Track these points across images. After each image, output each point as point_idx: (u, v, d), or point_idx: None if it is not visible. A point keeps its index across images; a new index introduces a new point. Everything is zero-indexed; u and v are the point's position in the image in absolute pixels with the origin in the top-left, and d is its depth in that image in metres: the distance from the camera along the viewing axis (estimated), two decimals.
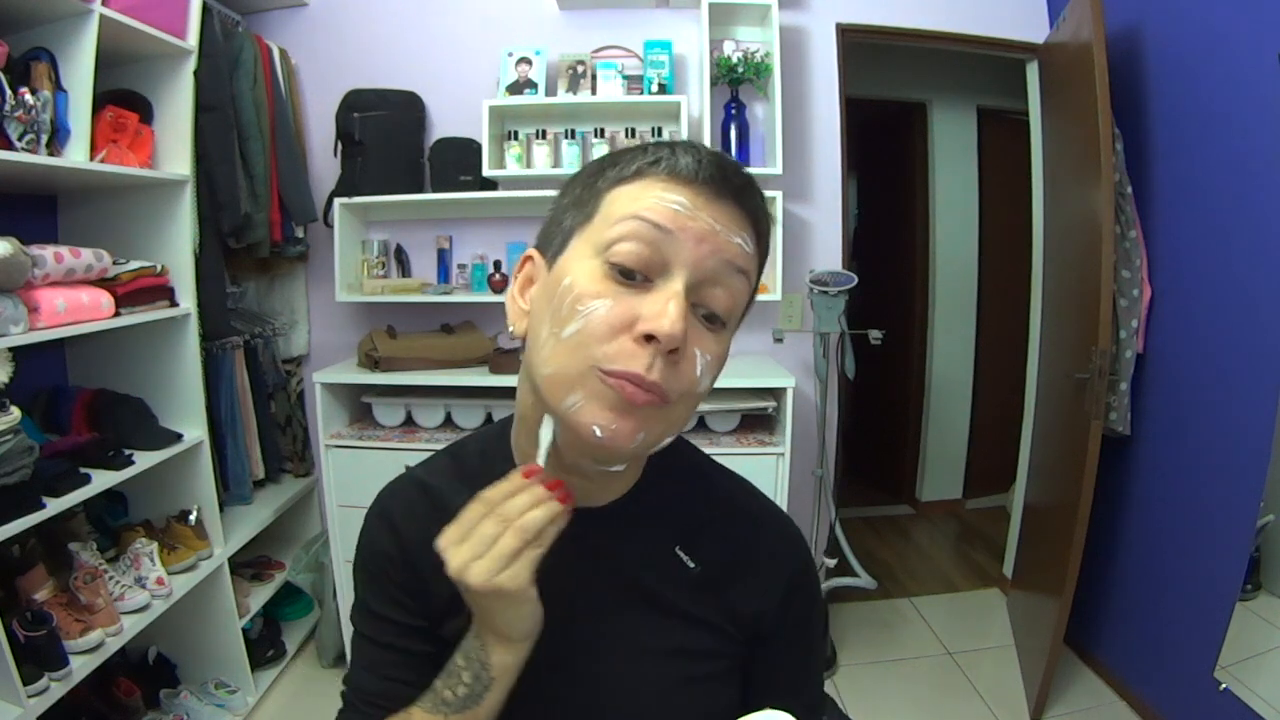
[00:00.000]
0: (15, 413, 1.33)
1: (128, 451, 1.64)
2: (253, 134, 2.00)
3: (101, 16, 1.47)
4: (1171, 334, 1.93)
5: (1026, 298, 2.65)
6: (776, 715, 0.54)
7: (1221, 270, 1.75)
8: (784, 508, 0.78)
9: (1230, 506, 1.69)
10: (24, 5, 1.40)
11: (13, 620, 1.35)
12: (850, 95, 2.39)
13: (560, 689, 0.60)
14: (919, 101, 3.40)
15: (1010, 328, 2.92)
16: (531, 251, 0.59)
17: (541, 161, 2.21)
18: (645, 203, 0.51)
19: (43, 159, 1.40)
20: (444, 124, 2.34)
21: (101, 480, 1.53)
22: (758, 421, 2.13)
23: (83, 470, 1.50)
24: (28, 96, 1.36)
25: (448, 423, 2.14)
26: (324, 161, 2.35)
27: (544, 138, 2.23)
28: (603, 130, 2.20)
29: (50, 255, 1.39)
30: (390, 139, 2.20)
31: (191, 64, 1.76)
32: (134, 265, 1.65)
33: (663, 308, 0.49)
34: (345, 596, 2.07)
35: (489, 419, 2.12)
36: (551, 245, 0.56)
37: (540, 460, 0.53)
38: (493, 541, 0.50)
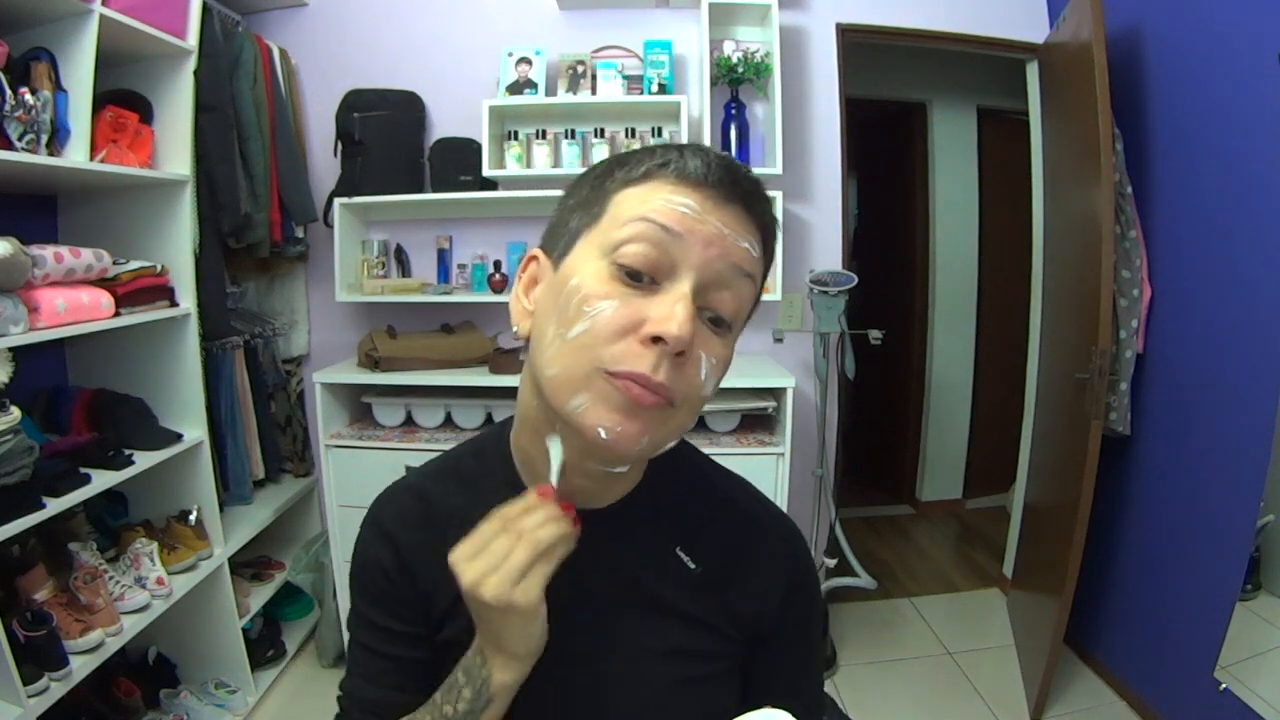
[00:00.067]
0: (15, 413, 1.33)
1: (128, 451, 1.64)
2: (253, 134, 2.00)
3: (101, 16, 1.47)
4: (1171, 334, 1.93)
5: (1026, 298, 2.65)
6: (775, 714, 0.54)
7: (1221, 270, 1.75)
8: (784, 508, 0.78)
9: (1230, 506, 1.69)
10: (24, 5, 1.40)
11: (13, 620, 1.35)
12: (850, 95, 2.39)
13: (560, 689, 0.60)
14: (919, 101, 3.40)
15: (1010, 328, 2.92)
16: (536, 252, 0.59)
17: (541, 161, 2.21)
18: (654, 205, 0.51)
19: (43, 159, 1.40)
20: (444, 124, 2.34)
21: (101, 480, 1.53)
22: (758, 421, 2.13)
23: (83, 470, 1.50)
24: (28, 96, 1.36)
25: (448, 423, 2.14)
26: (324, 161, 2.35)
27: (544, 138, 2.23)
28: (603, 130, 2.20)
29: (50, 255, 1.39)
30: (390, 139, 2.20)
31: (191, 64, 1.76)
32: (134, 265, 1.65)
33: (670, 310, 0.49)
34: (345, 597, 2.07)
35: (489, 419, 2.12)
36: (557, 246, 0.56)
37: (553, 480, 0.54)
38: (505, 556, 0.50)
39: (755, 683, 0.65)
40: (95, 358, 1.85)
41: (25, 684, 1.31)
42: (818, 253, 2.41)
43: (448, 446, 0.72)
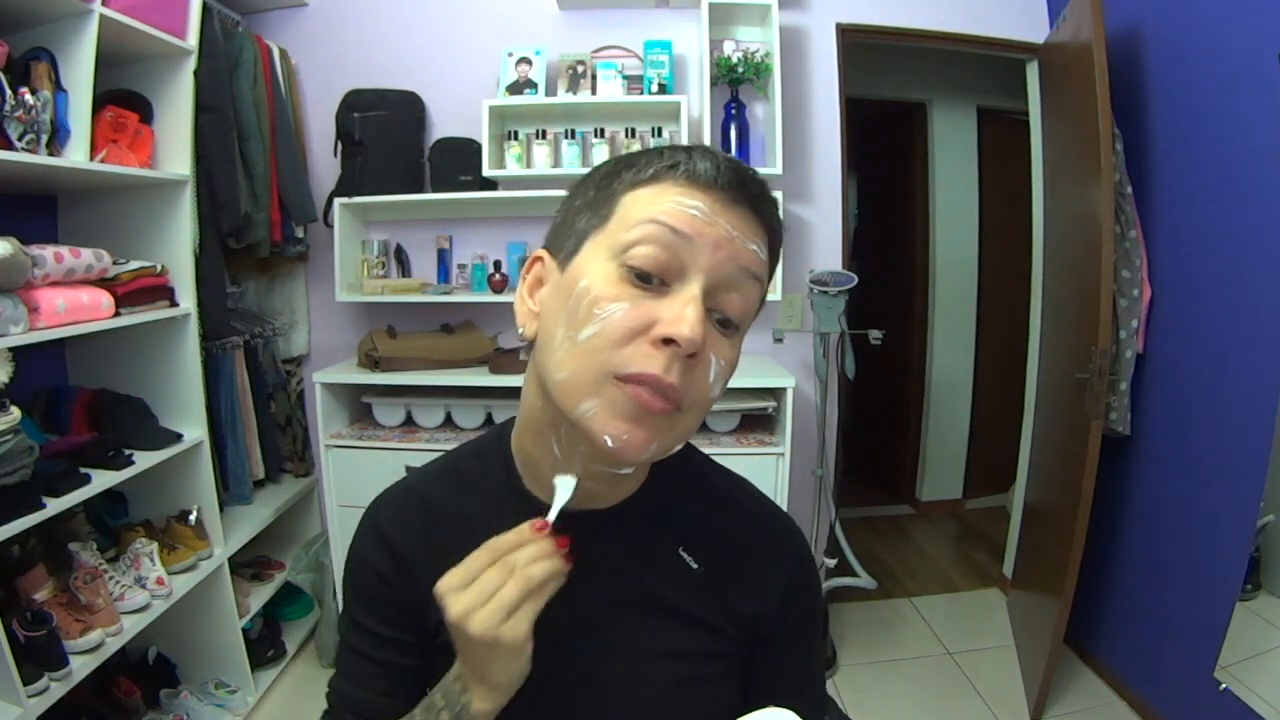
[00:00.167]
0: (15, 413, 1.33)
1: (128, 451, 1.64)
2: (253, 134, 2.00)
3: (101, 16, 1.47)
4: (1171, 334, 1.93)
5: (1026, 298, 2.65)
6: (781, 714, 0.54)
7: (1221, 270, 1.75)
8: (784, 508, 0.78)
9: (1230, 506, 1.69)
10: (24, 5, 1.40)
11: (13, 620, 1.35)
12: (850, 95, 2.39)
13: (561, 690, 0.60)
14: (919, 101, 3.40)
15: (1010, 328, 2.92)
16: (541, 252, 0.59)
17: (541, 161, 2.21)
18: (663, 207, 0.51)
19: (43, 159, 1.40)
20: (444, 124, 2.34)
21: (101, 480, 1.53)
22: (758, 421, 2.13)
23: (83, 470, 1.50)
24: (28, 96, 1.36)
25: (448, 423, 2.14)
26: (324, 161, 2.35)
27: (544, 138, 2.23)
28: (603, 130, 2.20)
29: (50, 255, 1.39)
30: (390, 139, 2.20)
31: (191, 64, 1.76)
32: (134, 265, 1.65)
33: (681, 312, 0.49)
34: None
35: (489, 419, 2.12)
36: (564, 247, 0.56)
37: (551, 516, 0.53)
38: (494, 590, 0.50)
39: (756, 682, 0.65)
40: (95, 358, 1.85)
41: (25, 684, 1.31)
42: (818, 253, 2.41)
43: (448, 446, 0.72)
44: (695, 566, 0.62)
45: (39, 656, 1.36)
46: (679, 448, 0.56)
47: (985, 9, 2.40)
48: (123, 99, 1.66)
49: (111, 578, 1.60)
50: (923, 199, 3.46)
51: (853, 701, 2.12)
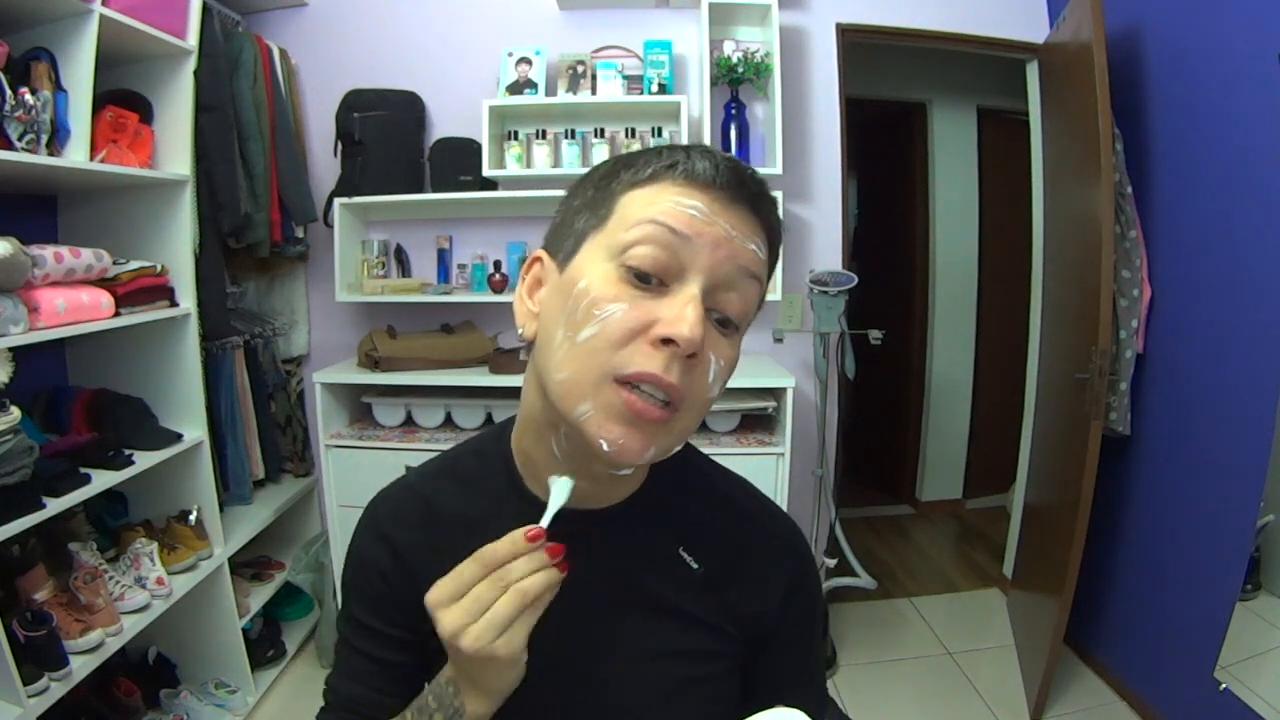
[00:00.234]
0: (15, 413, 1.33)
1: (128, 451, 1.64)
2: (253, 134, 1.99)
3: (101, 16, 1.47)
4: (1171, 334, 1.93)
5: (1026, 298, 2.65)
6: (788, 714, 0.54)
7: (1221, 270, 1.75)
8: (784, 508, 0.78)
9: (1230, 506, 1.69)
10: (24, 5, 1.40)
11: (13, 620, 1.35)
12: (850, 95, 2.39)
13: (561, 690, 0.60)
14: (919, 101, 3.40)
15: (1010, 328, 2.92)
16: (540, 253, 0.59)
17: (541, 161, 2.21)
18: (661, 207, 0.51)
19: (43, 159, 1.40)
20: (444, 124, 2.34)
21: (101, 480, 1.53)
22: (758, 421, 2.13)
23: (83, 470, 1.50)
24: (28, 96, 1.36)
25: (448, 423, 2.14)
26: (324, 161, 2.35)
27: (544, 138, 2.23)
28: (603, 130, 2.20)
29: (50, 255, 1.39)
30: (390, 139, 2.20)
31: (191, 64, 1.76)
32: (134, 265, 1.65)
33: (681, 312, 0.49)
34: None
35: (489, 419, 2.12)
36: (562, 247, 0.56)
37: (545, 521, 0.51)
38: (488, 605, 0.48)
39: (757, 682, 0.65)
40: (95, 358, 1.85)
41: (25, 684, 1.31)
42: (818, 253, 2.41)
43: (448, 446, 0.72)
44: (695, 566, 0.62)
45: (39, 656, 1.36)
46: (678, 449, 0.56)
47: (985, 9, 2.40)
48: (123, 99, 1.66)
49: (111, 578, 1.60)
50: (923, 199, 3.46)
51: (853, 701, 2.12)
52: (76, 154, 1.48)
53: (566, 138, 2.18)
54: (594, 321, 0.50)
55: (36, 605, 1.44)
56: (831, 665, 2.28)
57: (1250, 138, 1.65)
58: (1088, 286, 1.87)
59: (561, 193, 0.60)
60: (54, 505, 1.39)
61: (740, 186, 0.52)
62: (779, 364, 2.22)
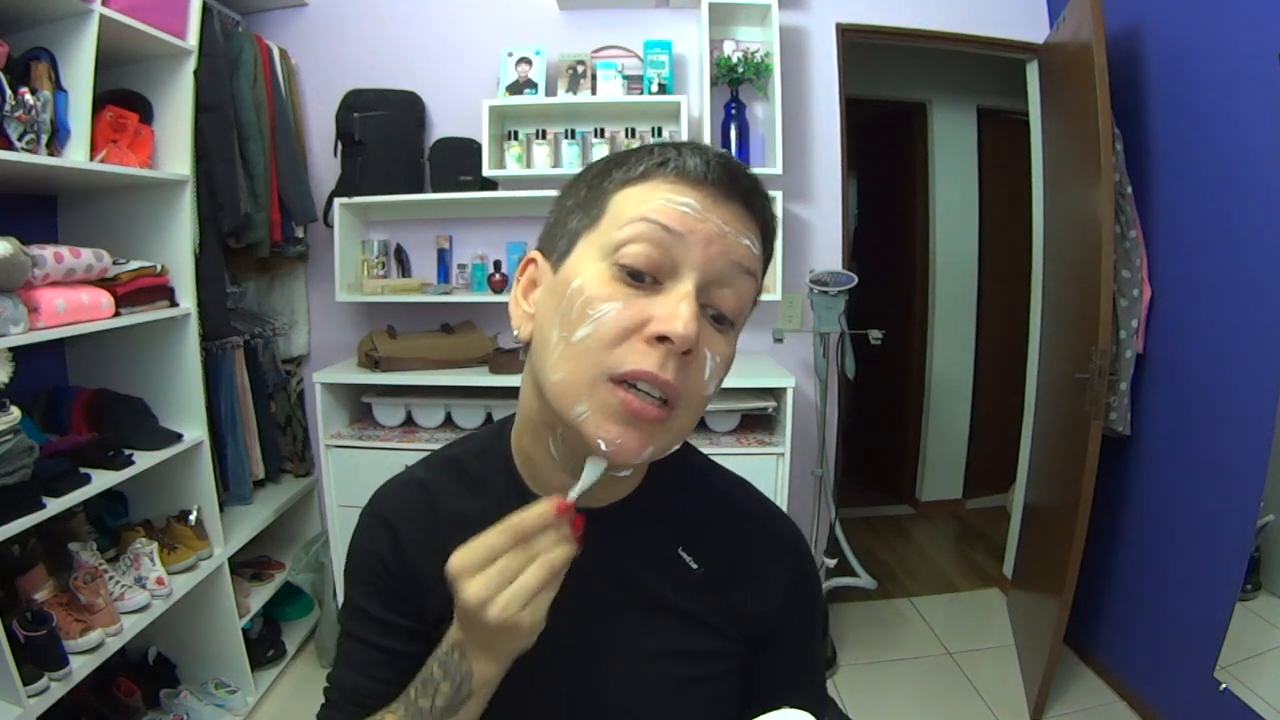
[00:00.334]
0: (15, 413, 1.33)
1: (128, 451, 1.64)
2: (253, 134, 1.99)
3: (101, 16, 1.47)
4: (1171, 334, 1.93)
5: (1026, 298, 2.65)
6: (795, 715, 0.54)
7: (1221, 270, 1.75)
8: (784, 508, 0.78)
9: (1230, 506, 1.69)
10: (24, 5, 1.40)
11: (13, 620, 1.35)
12: (850, 95, 2.39)
13: (561, 691, 0.60)
14: (919, 101, 3.40)
15: (1010, 328, 2.92)
16: (534, 254, 0.59)
17: (541, 161, 2.21)
18: (654, 204, 0.51)
19: (43, 159, 1.40)
20: (444, 124, 2.34)
21: (101, 480, 1.53)
22: (758, 421, 2.13)
23: (83, 470, 1.50)
24: (28, 96, 1.36)
25: (448, 423, 2.14)
26: (324, 161, 2.35)
27: (544, 138, 2.23)
28: (603, 130, 2.20)
29: (50, 255, 1.39)
30: (390, 139, 2.20)
31: (191, 64, 1.76)
32: (134, 265, 1.65)
33: (675, 309, 0.49)
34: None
35: (489, 419, 2.12)
36: (556, 248, 0.56)
37: (574, 494, 0.51)
38: (514, 575, 0.48)
39: (758, 682, 0.65)
40: (95, 358, 1.85)
41: (25, 684, 1.31)
42: (818, 253, 2.41)
43: None
44: (695, 567, 0.62)
45: (39, 656, 1.36)
46: (676, 447, 0.56)
47: (985, 9, 2.40)
48: (123, 99, 1.66)
49: (111, 578, 1.60)
50: (923, 199, 3.46)
51: (853, 701, 2.12)
52: (76, 154, 1.48)
53: (566, 138, 2.18)
54: (588, 321, 0.50)
55: (36, 605, 1.44)
56: (831, 665, 2.28)
57: (1250, 138, 1.65)
58: (1088, 286, 1.87)
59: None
60: (54, 505, 1.39)
61: (732, 182, 0.52)
62: (779, 364, 2.22)
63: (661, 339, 0.49)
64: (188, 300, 1.79)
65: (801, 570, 0.66)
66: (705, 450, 0.71)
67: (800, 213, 2.39)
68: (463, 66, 2.32)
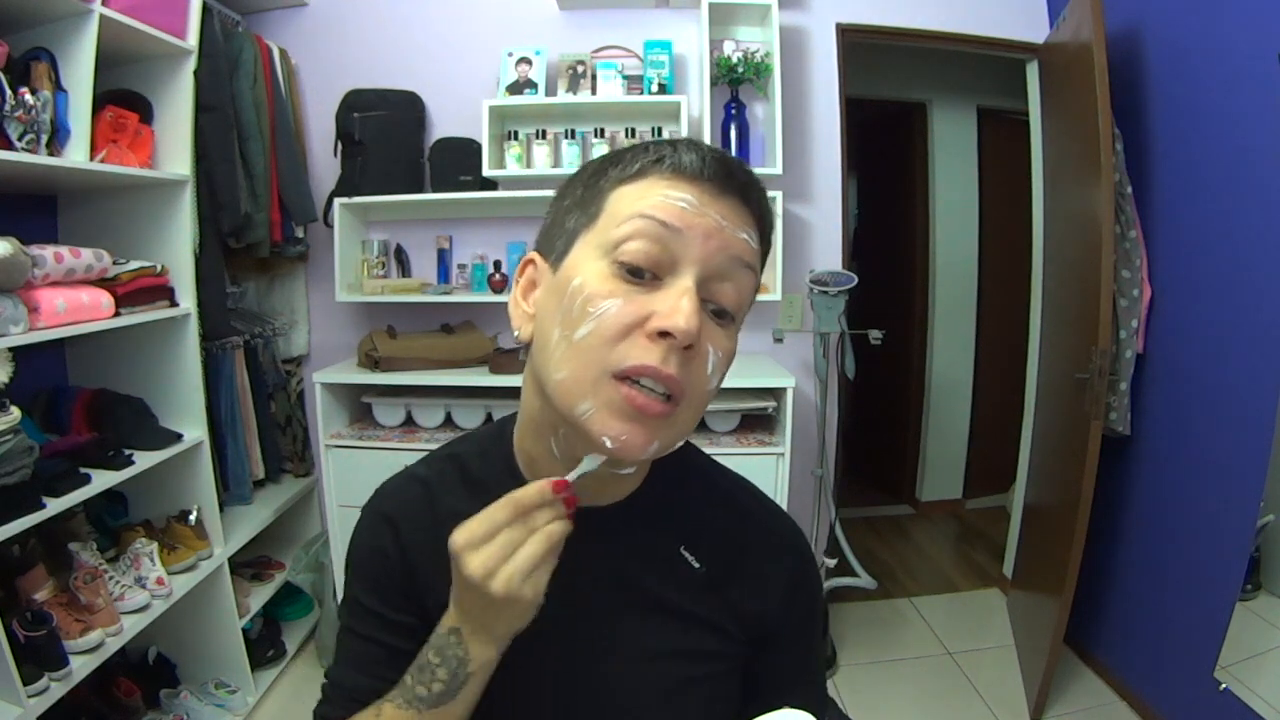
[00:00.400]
0: (15, 413, 1.33)
1: (128, 451, 1.63)
2: (253, 134, 1.99)
3: (101, 16, 1.47)
4: (1171, 334, 1.93)
5: (1026, 298, 2.65)
6: (796, 715, 0.54)
7: (1221, 270, 1.75)
8: (784, 508, 0.78)
9: (1230, 506, 1.69)
10: (24, 5, 1.40)
11: (13, 620, 1.35)
12: (850, 95, 2.39)
13: (562, 689, 0.60)
14: (919, 101, 3.40)
15: (1010, 328, 2.92)
16: (533, 255, 0.59)
17: (541, 161, 2.21)
18: (651, 201, 0.51)
19: (43, 159, 1.40)
20: (444, 124, 2.34)
21: (101, 480, 1.53)
22: (758, 421, 2.13)
23: (83, 470, 1.50)
24: (28, 96, 1.36)
25: (448, 423, 2.14)
26: (324, 161, 2.35)
27: (544, 138, 2.23)
28: (603, 130, 2.20)
29: (50, 255, 1.39)
30: (390, 139, 2.20)
31: (191, 64, 1.76)
32: (134, 265, 1.65)
33: (676, 303, 0.49)
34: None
35: (489, 419, 2.12)
36: (554, 248, 0.56)
37: (572, 476, 0.52)
38: (515, 548, 0.49)
39: (758, 682, 0.65)
40: (95, 358, 1.85)
41: (25, 684, 1.31)
42: (818, 253, 2.41)
43: None
44: (697, 566, 0.62)
45: (39, 656, 1.36)
46: (681, 443, 0.56)
47: (985, 9, 2.40)
48: (123, 99, 1.66)
49: (111, 578, 1.60)
50: (923, 199, 3.46)
51: (853, 701, 2.12)
52: (76, 154, 1.48)
53: (566, 138, 2.18)
54: (589, 319, 0.50)
55: (36, 605, 1.44)
56: (831, 665, 2.28)
57: (1250, 138, 1.65)
58: (1088, 286, 1.87)
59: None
60: (54, 505, 1.39)
61: (728, 177, 0.53)
62: (779, 364, 2.22)
63: (663, 334, 0.49)
64: (188, 300, 1.79)
65: (802, 570, 0.66)
66: (705, 450, 0.71)
67: (800, 213, 2.39)
68: (463, 66, 2.32)
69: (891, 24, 2.37)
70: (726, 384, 0.57)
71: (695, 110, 2.25)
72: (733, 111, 2.25)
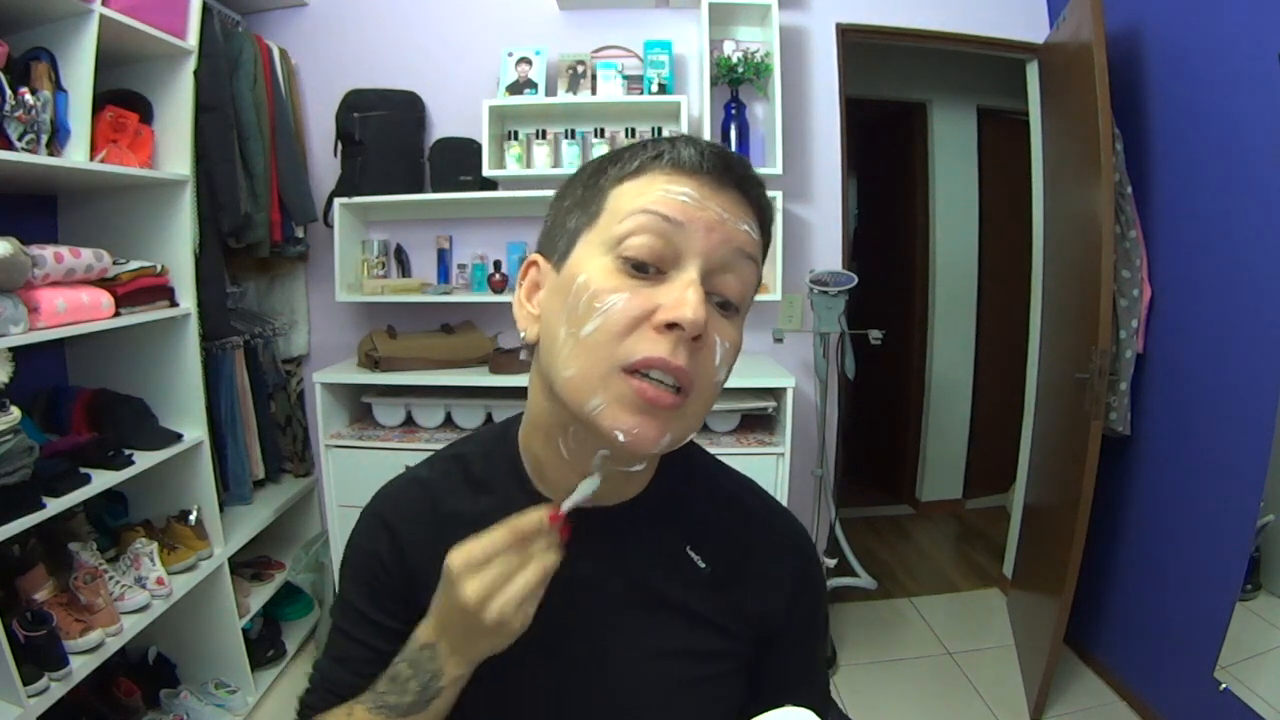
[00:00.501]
0: (15, 413, 1.33)
1: (128, 451, 1.63)
2: (253, 134, 1.99)
3: (101, 16, 1.47)
4: (1171, 334, 1.93)
5: (1026, 298, 2.65)
6: (799, 713, 0.54)
7: (1221, 270, 1.75)
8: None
9: (1230, 506, 1.69)
10: (24, 5, 1.40)
11: (13, 620, 1.35)
12: (850, 95, 2.40)
13: (564, 689, 0.60)
14: (919, 101, 3.40)
15: (1010, 328, 2.92)
16: (535, 257, 0.60)
17: (541, 161, 2.21)
18: (652, 196, 0.52)
19: (43, 159, 1.40)
20: (444, 124, 2.34)
21: (101, 480, 1.53)
22: (758, 421, 2.13)
23: (83, 470, 1.50)
24: (28, 96, 1.36)
25: (448, 423, 2.14)
26: (324, 161, 2.35)
27: (544, 138, 2.23)
28: (603, 130, 2.20)
29: (50, 255, 1.39)
30: (390, 139, 2.20)
31: (191, 64, 1.76)
32: (134, 265, 1.65)
33: (681, 295, 0.50)
34: None
35: (489, 419, 2.12)
36: (556, 248, 0.56)
37: (566, 506, 0.52)
38: (511, 575, 0.49)
39: (762, 682, 0.65)
40: (95, 358, 1.85)
41: (25, 684, 1.31)
42: (818, 253, 2.41)
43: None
44: (703, 566, 0.62)
45: (39, 656, 1.36)
46: (693, 434, 0.56)
47: (985, 9, 2.40)
48: (123, 99, 1.66)
49: (111, 578, 1.60)
50: (923, 199, 3.46)
51: (853, 701, 2.12)
52: (76, 154, 1.48)
53: (566, 138, 2.18)
54: (596, 314, 0.50)
55: (36, 605, 1.44)
56: (831, 665, 2.28)
57: (1250, 138, 1.65)
58: (1088, 286, 1.87)
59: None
60: (54, 505, 1.39)
61: (727, 170, 0.53)
62: (779, 364, 2.22)
63: (671, 326, 0.49)
64: (188, 300, 1.79)
65: (806, 569, 0.67)
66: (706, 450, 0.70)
67: (800, 213, 2.39)
68: (463, 66, 2.32)
69: (891, 24, 2.37)
70: (726, 384, 0.57)
71: (695, 110, 2.25)
72: (733, 111, 2.25)
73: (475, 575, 0.49)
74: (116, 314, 1.57)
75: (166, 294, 1.75)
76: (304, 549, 2.30)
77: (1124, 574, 2.11)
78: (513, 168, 2.19)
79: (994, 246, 3.42)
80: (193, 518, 1.82)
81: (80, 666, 1.44)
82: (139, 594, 1.61)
